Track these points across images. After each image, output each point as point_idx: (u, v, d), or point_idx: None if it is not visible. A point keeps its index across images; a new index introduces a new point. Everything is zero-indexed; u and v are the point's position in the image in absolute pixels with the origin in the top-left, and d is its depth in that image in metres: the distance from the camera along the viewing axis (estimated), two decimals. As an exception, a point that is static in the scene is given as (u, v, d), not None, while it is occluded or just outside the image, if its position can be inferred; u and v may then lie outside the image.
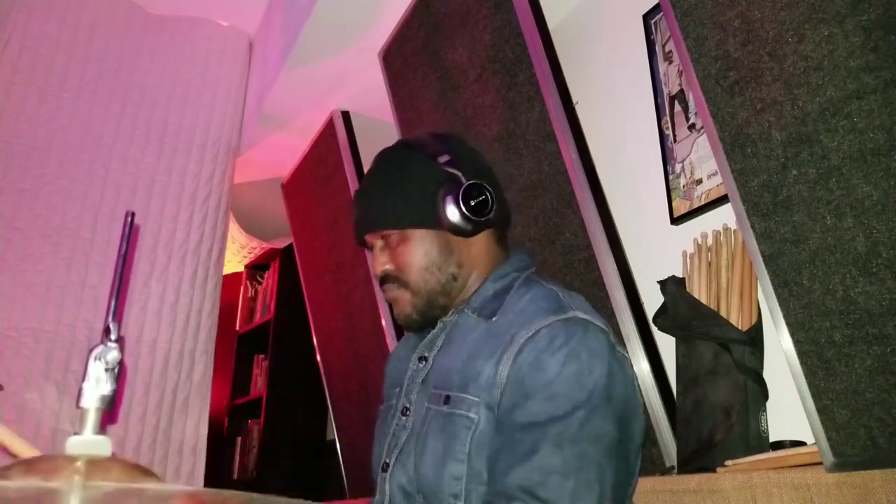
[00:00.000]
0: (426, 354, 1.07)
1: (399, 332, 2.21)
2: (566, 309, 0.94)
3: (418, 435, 0.99)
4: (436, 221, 1.04)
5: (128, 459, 0.40)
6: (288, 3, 2.49)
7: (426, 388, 1.03)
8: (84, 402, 0.41)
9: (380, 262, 1.08)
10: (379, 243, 1.09)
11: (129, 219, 0.44)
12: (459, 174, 1.04)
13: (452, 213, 1.02)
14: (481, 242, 1.09)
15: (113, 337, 0.41)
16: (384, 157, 1.13)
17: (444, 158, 1.06)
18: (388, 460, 1.03)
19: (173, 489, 0.39)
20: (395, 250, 1.06)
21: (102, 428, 0.40)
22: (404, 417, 1.05)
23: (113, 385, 0.41)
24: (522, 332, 0.92)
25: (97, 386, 0.40)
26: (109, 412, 0.41)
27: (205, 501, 0.42)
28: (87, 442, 0.40)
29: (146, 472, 0.38)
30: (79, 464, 0.37)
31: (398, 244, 1.06)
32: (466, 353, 0.99)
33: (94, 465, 0.37)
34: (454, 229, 1.03)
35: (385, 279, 1.08)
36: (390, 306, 1.12)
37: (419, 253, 1.05)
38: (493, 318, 1.00)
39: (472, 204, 1.02)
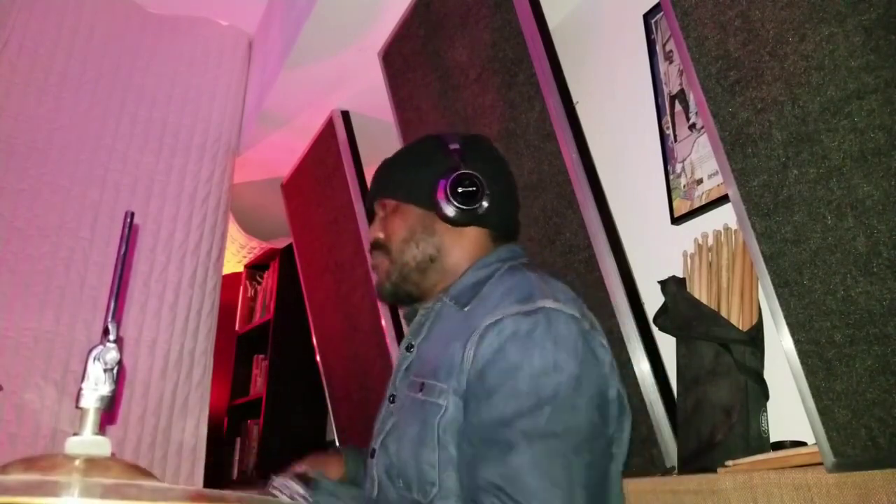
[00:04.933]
0: (412, 343, 1.09)
1: (399, 332, 2.21)
2: (535, 298, 0.94)
3: (397, 422, 1.01)
4: (426, 200, 1.08)
5: (126, 460, 0.40)
6: (288, 2, 2.49)
7: (408, 376, 1.05)
8: (83, 403, 0.40)
9: (373, 230, 1.15)
10: (380, 213, 1.16)
11: (129, 219, 0.44)
12: (461, 163, 1.07)
13: (441, 196, 1.06)
14: (472, 236, 1.10)
15: (112, 337, 0.41)
16: (414, 141, 1.22)
17: (454, 146, 1.10)
18: (374, 446, 1.06)
19: (171, 488, 0.39)
20: (387, 219, 1.13)
21: (102, 428, 0.40)
22: (392, 405, 1.07)
23: (112, 385, 0.40)
24: (487, 318, 0.93)
25: (96, 386, 0.40)
26: (109, 412, 0.41)
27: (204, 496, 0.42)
28: (87, 442, 0.39)
29: (145, 473, 0.38)
30: (78, 463, 0.37)
31: (390, 214, 1.13)
32: (442, 342, 1.01)
33: (94, 464, 0.37)
34: (440, 213, 1.06)
35: (374, 246, 1.14)
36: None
37: (404, 225, 1.10)
38: (467, 308, 1.01)
39: (460, 191, 1.04)
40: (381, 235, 1.13)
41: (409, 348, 1.10)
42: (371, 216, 1.20)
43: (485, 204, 1.06)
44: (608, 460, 0.94)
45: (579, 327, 0.94)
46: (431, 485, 0.91)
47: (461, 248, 1.10)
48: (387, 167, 1.18)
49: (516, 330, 0.91)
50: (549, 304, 0.93)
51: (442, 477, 0.90)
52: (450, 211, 1.05)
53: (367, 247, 1.22)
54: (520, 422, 0.86)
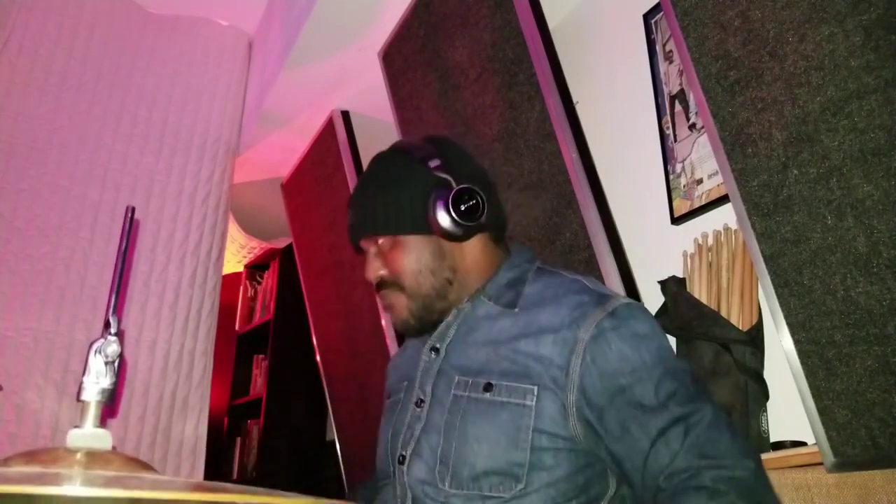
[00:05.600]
0: (438, 345, 1.07)
1: (399, 333, 2.21)
2: (610, 299, 0.97)
3: (449, 423, 0.98)
4: (427, 226, 1.04)
5: (127, 454, 0.40)
6: (288, 2, 2.49)
7: (446, 378, 1.03)
8: (85, 396, 0.40)
9: (373, 269, 1.08)
10: (373, 249, 1.09)
11: (130, 213, 0.44)
12: (450, 179, 1.04)
13: (443, 218, 1.02)
14: (476, 246, 1.09)
15: (113, 330, 0.41)
16: (377, 161, 1.14)
17: (435, 163, 1.06)
18: (403, 453, 1.03)
19: (172, 480, 0.39)
20: (388, 256, 1.07)
21: (103, 421, 0.40)
22: (418, 409, 1.04)
23: (113, 378, 0.40)
24: (581, 331, 0.93)
25: (97, 379, 0.40)
26: (110, 406, 0.41)
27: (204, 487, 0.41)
28: (88, 435, 0.39)
29: (145, 466, 0.38)
30: (79, 455, 0.37)
31: (390, 250, 1.07)
32: (500, 342, 0.99)
33: (95, 457, 0.37)
34: (445, 234, 1.03)
35: (381, 285, 1.09)
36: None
37: (411, 258, 1.06)
38: (516, 309, 1.01)
39: (463, 209, 1.01)
40: (385, 273, 1.07)
41: (434, 350, 1.07)
42: (358, 251, 1.13)
43: (485, 211, 1.04)
44: None
45: (647, 311, 0.99)
46: (516, 481, 0.91)
47: (472, 259, 1.08)
48: (367, 199, 1.09)
49: (618, 331, 0.93)
50: (622, 300, 0.97)
51: (530, 477, 0.90)
52: (456, 230, 1.02)
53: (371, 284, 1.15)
54: (672, 403, 0.87)
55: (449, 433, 0.98)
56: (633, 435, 0.87)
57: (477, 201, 1.03)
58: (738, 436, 0.86)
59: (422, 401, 1.04)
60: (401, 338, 2.16)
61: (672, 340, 1.40)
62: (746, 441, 0.91)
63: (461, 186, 1.02)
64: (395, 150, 1.14)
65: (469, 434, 0.96)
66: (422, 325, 1.08)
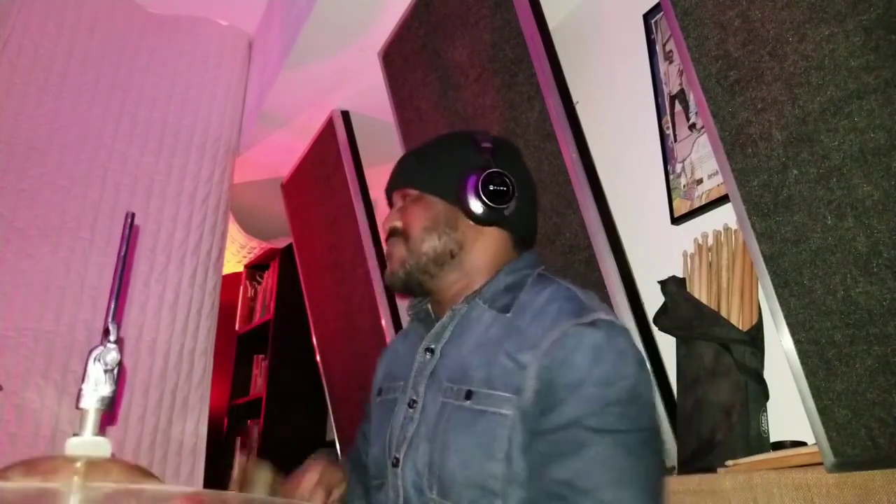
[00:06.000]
0: (433, 346, 1.06)
1: (398, 331, 2.21)
2: (589, 311, 0.94)
3: (434, 430, 0.97)
4: (452, 194, 1.06)
5: (127, 461, 0.40)
6: (288, 2, 2.49)
7: (437, 381, 1.02)
8: (83, 404, 0.40)
9: (391, 218, 1.12)
10: (399, 202, 1.12)
11: (129, 220, 0.44)
12: (492, 161, 1.06)
13: (469, 193, 1.04)
14: (494, 237, 1.08)
15: (112, 338, 0.41)
16: (442, 135, 1.20)
17: (487, 146, 1.09)
18: (398, 455, 1.01)
19: (172, 490, 0.39)
20: (408, 208, 1.10)
21: (102, 429, 0.40)
22: (411, 410, 1.03)
23: (112, 386, 0.40)
24: (549, 336, 0.92)
25: (96, 387, 0.40)
26: (109, 413, 0.41)
27: (204, 501, 0.42)
28: (87, 443, 0.39)
29: (145, 474, 0.38)
30: (78, 465, 0.36)
31: (413, 203, 1.10)
32: (486, 348, 0.98)
33: (94, 466, 0.37)
34: (465, 208, 1.04)
35: (391, 234, 1.11)
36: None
37: (426, 215, 1.07)
38: (509, 314, 1.00)
39: (491, 189, 1.03)
40: (399, 224, 1.09)
41: (429, 351, 1.06)
42: (390, 206, 1.17)
43: (512, 205, 1.05)
44: (664, 463, 0.97)
45: (631, 338, 0.95)
46: (494, 495, 0.88)
47: (483, 247, 1.08)
48: (413, 156, 1.16)
49: (580, 342, 0.90)
50: (603, 315, 0.94)
51: (506, 490, 0.88)
52: (477, 208, 1.03)
53: (383, 236, 1.17)
54: (589, 420, 0.86)
55: (434, 441, 0.96)
56: (538, 449, 0.88)
57: (507, 188, 1.04)
58: (634, 473, 0.85)
59: (415, 401, 1.03)
60: (401, 338, 2.16)
61: (672, 340, 1.41)
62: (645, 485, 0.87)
63: (496, 170, 1.04)
64: (459, 132, 1.20)
65: (450, 443, 0.94)
66: (407, 283, 1.09)
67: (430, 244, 1.06)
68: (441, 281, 1.08)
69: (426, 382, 1.03)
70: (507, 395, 0.92)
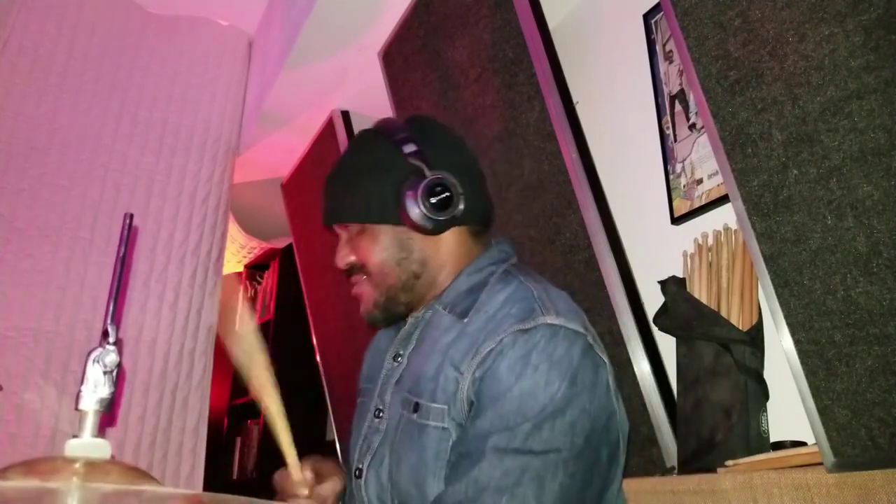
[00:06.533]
0: (401, 352, 1.02)
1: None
2: (535, 315, 0.88)
3: (392, 443, 0.94)
4: (396, 217, 0.99)
5: (127, 462, 0.40)
6: (288, 2, 2.49)
7: (400, 391, 0.98)
8: (82, 405, 0.40)
9: (342, 255, 1.05)
10: (344, 235, 1.06)
11: (128, 221, 0.44)
12: (424, 167, 0.97)
13: (413, 211, 0.96)
14: (451, 239, 1.02)
15: (111, 339, 0.41)
16: (354, 143, 1.10)
17: (410, 148, 0.99)
18: (360, 466, 0.98)
19: (171, 492, 0.39)
20: (355, 242, 1.04)
21: (101, 430, 0.40)
22: (377, 420, 1.00)
23: (111, 388, 0.40)
24: (488, 343, 0.87)
25: (95, 389, 0.40)
26: (108, 414, 0.41)
27: (203, 502, 0.42)
28: (86, 445, 0.39)
29: (145, 476, 0.38)
30: (77, 466, 0.36)
31: (359, 237, 1.03)
32: (438, 358, 0.93)
33: (93, 467, 0.37)
34: (415, 227, 0.98)
35: (350, 271, 1.06)
36: None
37: (378, 248, 1.01)
38: (466, 319, 0.94)
39: (434, 201, 0.95)
40: (354, 259, 1.04)
41: (396, 358, 1.02)
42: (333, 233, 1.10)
43: (461, 206, 0.98)
44: (607, 478, 0.88)
45: (582, 343, 0.88)
46: None
47: (445, 253, 1.02)
48: (338, 185, 1.06)
49: (513, 350, 0.85)
50: (550, 319, 0.87)
51: None
52: (426, 223, 0.96)
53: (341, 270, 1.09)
54: (493, 437, 0.81)
55: (392, 454, 0.93)
56: (450, 459, 0.84)
57: (450, 194, 0.96)
58: (530, 499, 0.79)
59: (380, 410, 1.00)
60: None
61: (672, 340, 1.41)
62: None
63: (433, 178, 0.96)
64: (374, 131, 1.08)
65: (402, 458, 0.90)
66: (387, 317, 1.04)
67: (394, 275, 1.01)
68: (416, 297, 1.03)
69: (391, 391, 1.00)
70: (444, 407, 0.88)
